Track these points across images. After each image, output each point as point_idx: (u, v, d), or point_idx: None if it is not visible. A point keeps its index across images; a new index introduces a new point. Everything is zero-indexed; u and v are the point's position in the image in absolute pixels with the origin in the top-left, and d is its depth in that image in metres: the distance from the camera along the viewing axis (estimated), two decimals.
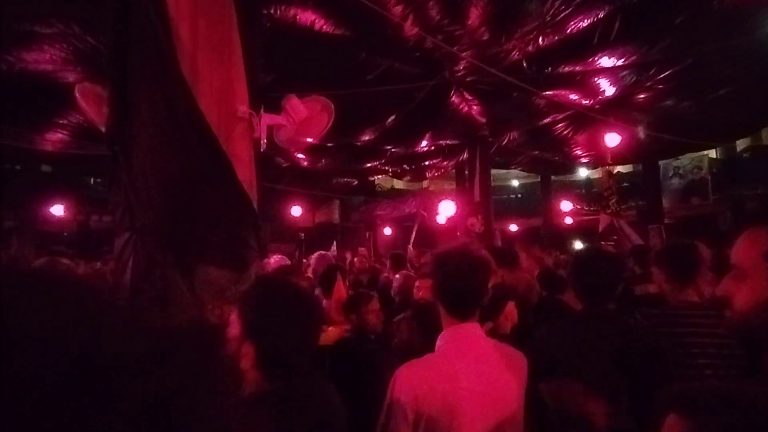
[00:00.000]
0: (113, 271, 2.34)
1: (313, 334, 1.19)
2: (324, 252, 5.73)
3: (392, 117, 8.11)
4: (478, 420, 1.43)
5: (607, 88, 7.44)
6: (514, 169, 15.24)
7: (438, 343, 1.53)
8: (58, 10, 5.34)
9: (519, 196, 18.67)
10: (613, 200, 6.14)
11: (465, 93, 7.71)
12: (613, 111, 8.22)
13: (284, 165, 10.78)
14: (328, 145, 9.13)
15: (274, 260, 4.90)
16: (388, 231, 14.45)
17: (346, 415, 1.25)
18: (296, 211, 13.54)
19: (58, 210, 12.17)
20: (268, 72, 4.82)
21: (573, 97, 7.75)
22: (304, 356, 1.13)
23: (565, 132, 9.46)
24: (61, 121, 7.69)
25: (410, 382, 1.43)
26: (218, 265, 2.09)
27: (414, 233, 9.99)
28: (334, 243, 10.13)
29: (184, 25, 2.20)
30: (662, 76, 7.11)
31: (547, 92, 7.44)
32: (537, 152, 11.28)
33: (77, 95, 2.71)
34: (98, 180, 14.14)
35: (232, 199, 2.17)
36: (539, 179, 15.59)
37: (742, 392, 0.70)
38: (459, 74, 7.04)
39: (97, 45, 5.61)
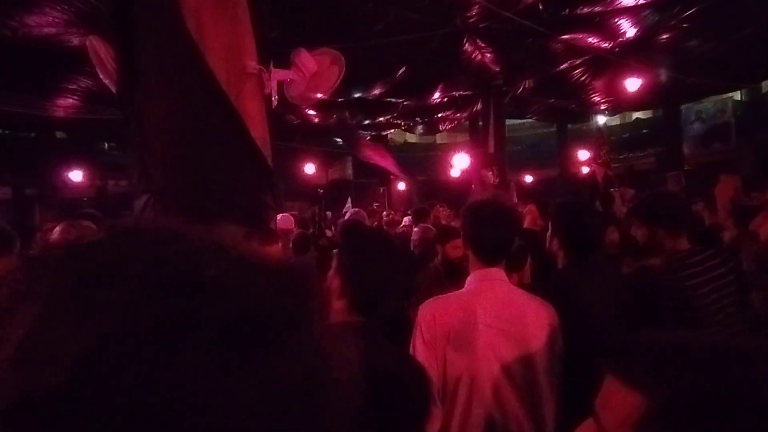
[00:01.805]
0: None
1: (400, 277, 1.30)
2: (358, 209, 5.77)
3: (403, 69, 7.89)
4: (494, 357, 1.49)
5: (627, 29, 7.08)
6: (529, 119, 14.88)
7: (465, 284, 1.62)
8: None
9: (534, 146, 18.33)
10: (604, 151, 6.00)
11: (478, 40, 7.42)
12: (634, 54, 7.87)
13: (295, 122, 10.68)
14: (339, 100, 8.97)
15: (281, 218, 4.91)
16: (402, 186, 14.40)
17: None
18: (309, 168, 13.52)
19: (76, 176, 12.33)
20: (275, 26, 4.69)
21: (591, 40, 7.41)
22: (389, 296, 1.24)
23: (582, 78, 9.12)
24: (70, 86, 7.65)
25: (430, 313, 1.53)
26: (236, 224, 2.12)
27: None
28: (349, 199, 10.17)
29: None
30: (686, 14, 6.72)
31: (564, 36, 7.12)
32: (553, 100, 10.95)
33: (89, 48, 2.66)
34: (112, 144, 14.22)
35: (247, 158, 2.17)
36: (555, 128, 15.21)
37: (727, 348, 0.54)
38: (471, 20, 6.75)
39: (99, 5, 5.48)
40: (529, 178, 14.46)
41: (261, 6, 2.37)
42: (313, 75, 2.63)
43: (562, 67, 8.58)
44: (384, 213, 8.88)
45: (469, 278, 1.62)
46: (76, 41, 6.13)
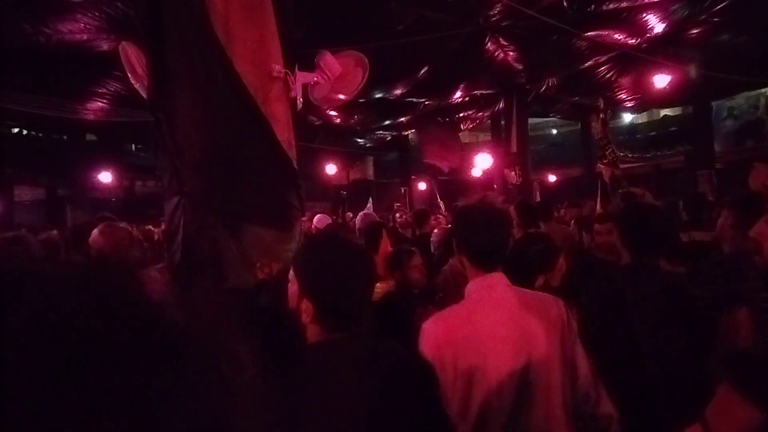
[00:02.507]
0: (165, 234, 2.45)
1: (367, 286, 1.23)
2: (368, 212, 5.79)
3: (425, 69, 7.86)
4: (503, 364, 1.46)
5: (655, 24, 6.90)
6: (552, 117, 14.66)
7: (465, 293, 1.56)
8: None
9: (558, 145, 18.01)
10: (610, 150, 5.75)
11: (500, 39, 7.35)
12: (662, 50, 7.67)
13: (317, 123, 10.76)
14: (360, 101, 9.00)
15: (317, 219, 5.00)
16: (423, 186, 14.36)
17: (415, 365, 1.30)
18: (330, 169, 13.61)
19: (105, 177, 12.69)
20: (299, 28, 4.73)
21: (618, 36, 7.25)
22: (360, 308, 1.17)
23: (608, 75, 8.94)
24: (100, 90, 7.88)
25: (434, 333, 1.48)
26: (264, 225, 2.15)
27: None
28: (370, 200, 10.19)
29: None
30: (717, 8, 6.51)
31: (590, 33, 6.98)
32: (577, 98, 10.75)
33: (121, 54, 2.74)
34: (139, 146, 14.58)
35: (273, 160, 2.20)
36: (579, 127, 14.94)
37: None
38: (494, 19, 6.69)
39: (128, 11, 5.63)
40: (552, 178, 14.24)
41: (285, 10, 2.40)
42: (337, 77, 2.65)
43: (587, 64, 8.43)
44: (397, 214, 8.71)
45: (468, 287, 1.55)
46: (105, 46, 6.32)
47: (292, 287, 1.18)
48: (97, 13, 5.91)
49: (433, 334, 1.47)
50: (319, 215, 5.42)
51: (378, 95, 8.88)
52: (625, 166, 14.21)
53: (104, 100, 8.17)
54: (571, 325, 1.54)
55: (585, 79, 9.05)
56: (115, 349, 0.25)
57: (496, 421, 1.44)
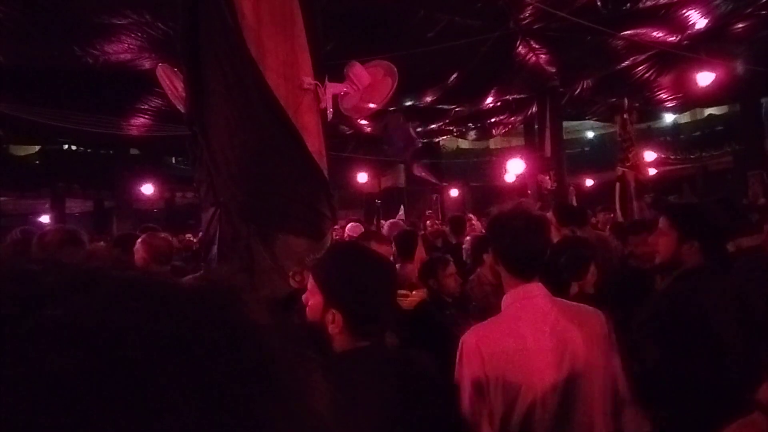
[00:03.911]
0: (201, 243, 2.53)
1: (394, 292, 1.23)
2: (395, 220, 5.79)
3: (455, 75, 7.83)
4: (546, 378, 1.42)
5: (697, 20, 6.63)
6: (588, 119, 14.27)
7: (503, 304, 1.52)
8: (130, 0, 5.64)
9: (594, 148, 17.51)
10: (632, 153, 5.36)
11: (532, 42, 7.24)
12: (705, 46, 7.35)
13: (348, 132, 10.88)
14: (391, 109, 9.05)
15: (350, 227, 5.05)
16: (455, 192, 14.26)
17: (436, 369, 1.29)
18: (362, 177, 13.71)
19: (147, 189, 13.26)
20: (328, 40, 4.82)
21: (656, 34, 7.00)
22: (388, 315, 1.17)
23: (646, 75, 8.64)
24: (142, 106, 8.26)
25: (474, 345, 1.43)
26: (296, 234, 2.19)
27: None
28: (402, 208, 10.19)
29: (247, 3, 2.24)
30: (765, 0, 6.20)
31: (626, 32, 6.78)
32: (614, 99, 10.43)
33: (158, 74, 2.87)
34: (179, 159, 15.15)
35: (305, 171, 2.24)
36: (616, 129, 14.47)
37: None
38: (525, 22, 6.60)
39: (168, 30, 5.89)
40: (589, 182, 13.83)
41: (315, 22, 2.45)
42: (366, 87, 2.68)
43: (624, 64, 8.18)
44: (428, 222, 8.66)
45: (506, 298, 1.50)
46: (147, 65, 6.62)
47: (315, 299, 1.18)
48: (139, 34, 6.22)
49: (473, 346, 1.43)
50: (351, 223, 5.48)
51: (408, 103, 8.90)
52: (669, 168, 13.67)
53: (146, 116, 8.56)
54: (611, 337, 1.49)
55: (622, 79, 8.78)
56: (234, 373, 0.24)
57: None
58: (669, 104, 10.24)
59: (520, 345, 1.42)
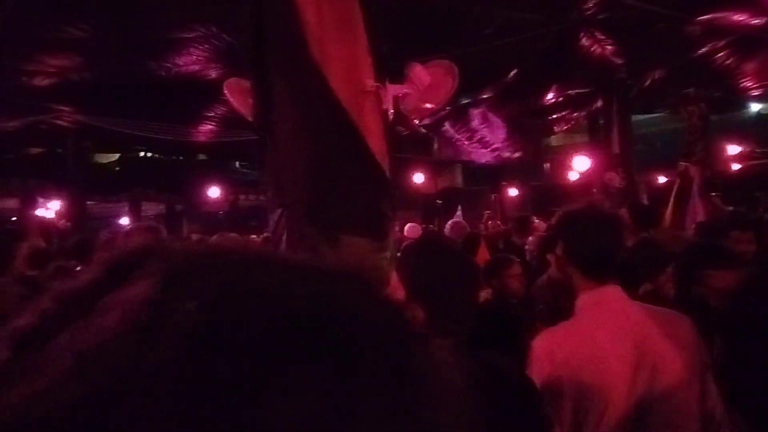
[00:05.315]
0: (270, 242, 2.62)
1: (475, 287, 1.23)
2: (457, 220, 5.75)
3: (513, 71, 7.64)
4: (624, 387, 1.32)
5: None
6: (659, 113, 13.41)
7: (576, 308, 1.45)
8: (198, 15, 5.99)
9: (668, 143, 16.39)
10: (700, 147, 4.83)
11: (596, 33, 6.91)
12: None
13: (404, 133, 10.91)
14: (448, 108, 8.97)
15: (408, 228, 5.06)
16: (514, 192, 13.86)
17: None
18: (419, 177, 13.67)
19: (214, 192, 13.99)
20: (387, 41, 4.86)
21: (738, 17, 6.45)
22: (469, 310, 1.17)
23: (728, 61, 7.97)
24: (209, 114, 8.73)
25: (547, 351, 1.38)
26: (360, 235, 2.22)
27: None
28: (459, 208, 10.06)
29: (310, 9, 2.30)
30: None
31: (703, 17, 6.30)
32: (690, 90, 9.72)
33: (225, 91, 3.02)
34: (243, 163, 15.87)
35: (367, 171, 2.26)
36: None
37: None
38: (589, 12, 6.31)
39: (233, 41, 6.19)
40: (662, 179, 12.96)
41: (374, 23, 2.47)
42: (426, 87, 2.66)
43: (700, 51, 7.60)
44: (489, 222, 8.55)
45: (579, 302, 1.43)
46: (214, 74, 7.00)
47: (398, 294, 1.19)
48: (207, 46, 6.59)
49: (546, 351, 1.39)
50: (409, 224, 5.49)
51: (465, 101, 8.78)
52: (753, 163, 12.54)
53: (213, 123, 9.03)
54: (702, 345, 1.38)
55: (698, 68, 8.14)
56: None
57: None
58: (754, 92, 9.38)
59: (596, 353, 1.35)
